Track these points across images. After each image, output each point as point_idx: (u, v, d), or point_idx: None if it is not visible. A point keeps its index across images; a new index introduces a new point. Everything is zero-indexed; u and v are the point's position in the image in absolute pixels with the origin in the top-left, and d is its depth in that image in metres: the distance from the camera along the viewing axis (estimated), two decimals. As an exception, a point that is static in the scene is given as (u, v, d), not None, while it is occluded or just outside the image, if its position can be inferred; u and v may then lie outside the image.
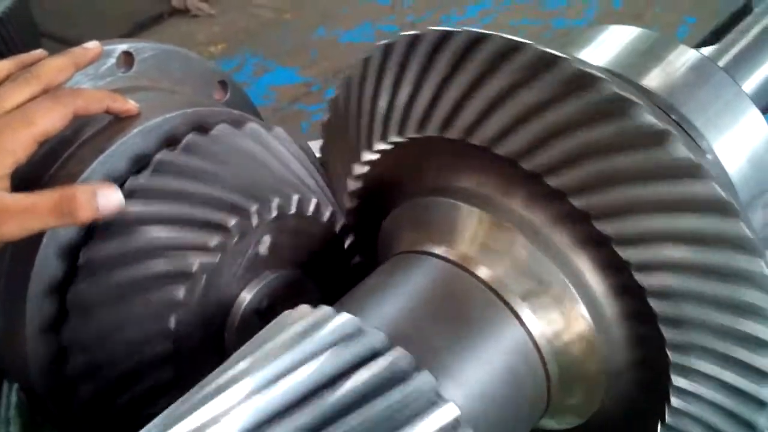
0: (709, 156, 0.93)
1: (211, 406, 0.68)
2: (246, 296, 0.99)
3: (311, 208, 1.00)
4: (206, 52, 3.58)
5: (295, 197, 0.98)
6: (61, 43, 4.04)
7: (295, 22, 3.63)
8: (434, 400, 0.70)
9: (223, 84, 1.17)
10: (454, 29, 0.82)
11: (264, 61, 3.38)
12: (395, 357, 0.71)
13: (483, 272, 0.85)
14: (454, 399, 0.71)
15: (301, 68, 3.33)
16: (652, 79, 0.95)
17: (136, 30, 3.98)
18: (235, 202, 0.93)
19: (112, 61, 1.06)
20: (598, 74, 0.75)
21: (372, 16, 3.60)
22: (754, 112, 0.97)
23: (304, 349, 0.71)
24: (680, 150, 0.74)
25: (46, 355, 0.95)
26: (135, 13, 4.09)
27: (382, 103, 0.90)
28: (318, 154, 1.09)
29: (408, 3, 3.70)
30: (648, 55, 0.97)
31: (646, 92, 0.94)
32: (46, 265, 0.93)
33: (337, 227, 1.04)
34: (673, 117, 0.93)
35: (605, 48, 1.00)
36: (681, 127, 0.93)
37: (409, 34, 0.86)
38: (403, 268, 0.88)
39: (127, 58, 1.08)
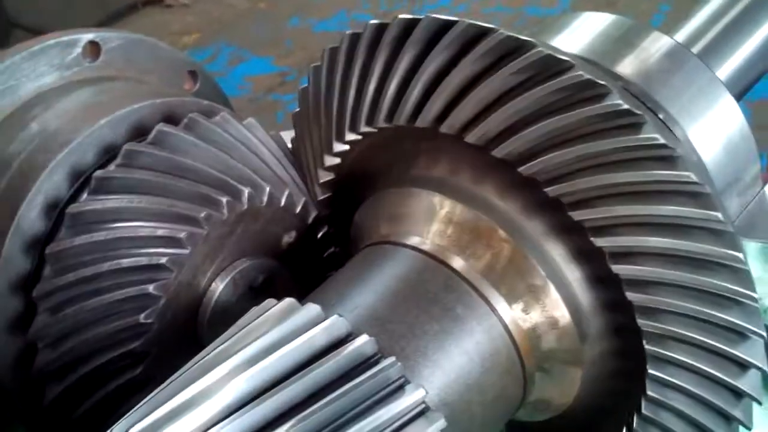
0: (682, 142, 0.92)
1: (188, 391, 0.68)
2: (218, 286, 0.97)
3: (283, 199, 0.98)
4: (180, 42, 3.55)
5: (267, 188, 0.96)
6: (33, 33, 3.99)
7: (270, 11, 3.61)
8: (401, 384, 0.70)
9: (193, 74, 1.15)
10: (421, 17, 0.81)
11: (239, 51, 3.36)
12: (360, 344, 0.71)
13: (456, 263, 0.84)
14: (425, 387, 0.71)
15: (276, 58, 3.31)
16: (626, 66, 0.94)
17: (108, 20, 3.94)
18: (206, 194, 0.92)
19: (78, 50, 1.05)
20: (566, 59, 0.75)
21: (347, 5, 3.59)
22: (728, 99, 0.97)
23: (270, 338, 0.71)
24: (650, 134, 0.74)
25: (14, 352, 0.93)
26: (108, 3, 4.04)
27: (351, 93, 0.89)
28: (290, 145, 1.07)
29: (383, -8, 3.69)
30: (622, 41, 0.96)
31: (620, 79, 0.93)
32: (12, 261, 0.91)
33: (310, 218, 1.03)
34: (647, 104, 0.92)
35: (579, 35, 0.99)
36: (655, 113, 0.92)
37: (375, 23, 0.85)
38: (375, 259, 0.87)
39: (94, 47, 1.06)
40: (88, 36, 1.05)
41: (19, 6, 3.99)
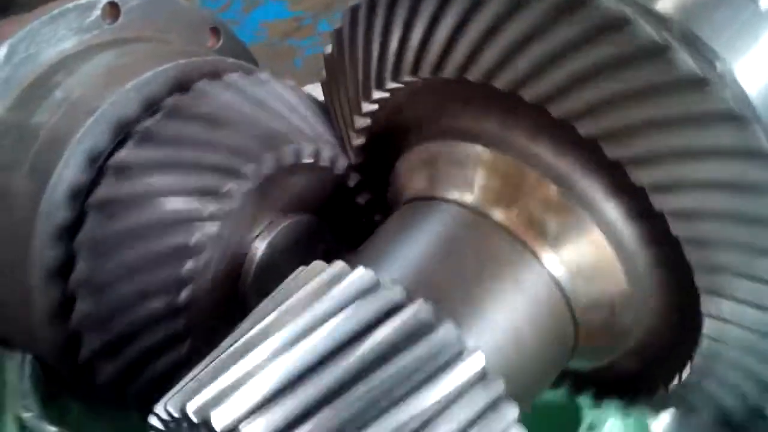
0: (726, 77, 0.89)
1: (240, 365, 0.67)
2: (261, 244, 0.97)
3: (327, 157, 0.98)
4: (192, -9, 3.52)
5: (312, 145, 0.96)
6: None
7: (282, -47, 3.56)
8: (460, 351, 0.69)
9: (215, 31, 1.14)
10: None
11: (254, -3, 3.32)
12: (416, 309, 0.70)
13: (498, 215, 0.83)
14: (480, 348, 0.70)
15: (291, 2, 3.27)
16: (667, 4, 0.91)
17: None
18: (251, 148, 0.91)
19: (97, 12, 1.03)
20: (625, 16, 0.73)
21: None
22: (775, 30, 0.93)
23: (323, 306, 0.70)
24: (687, 64, 0.73)
25: (52, 301, 0.92)
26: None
27: (394, 39, 0.86)
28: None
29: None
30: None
31: (660, 17, 0.90)
32: (53, 212, 0.91)
33: (351, 179, 1.02)
34: (690, 40, 0.89)
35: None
36: (697, 50, 0.89)
37: None
38: (418, 216, 0.86)
39: (113, 9, 1.04)
40: (107, -3, 1.03)
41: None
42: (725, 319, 0.79)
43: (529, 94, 0.77)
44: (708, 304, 0.79)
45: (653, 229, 0.80)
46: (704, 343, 0.81)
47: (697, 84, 0.73)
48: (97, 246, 0.89)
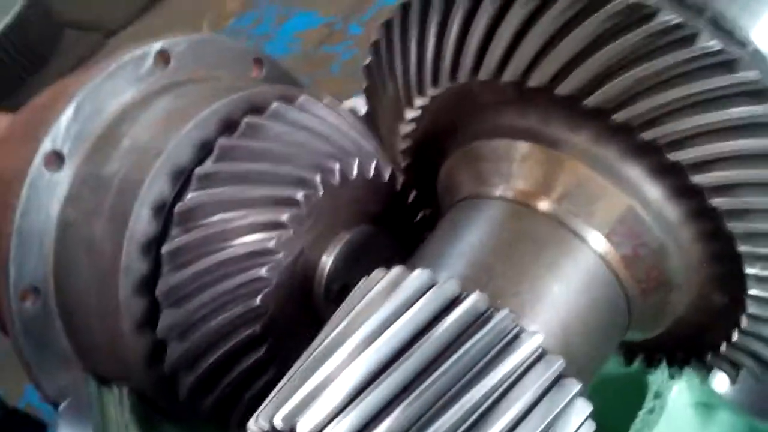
0: (746, 45, 0.92)
1: (319, 373, 0.73)
2: (327, 260, 1.03)
3: (372, 169, 1.03)
4: (224, 11, 3.58)
5: (356, 161, 1.01)
6: (81, 29, 4.08)
7: (307, -38, 3.61)
8: (517, 333, 0.74)
9: (258, 61, 1.19)
10: None
11: (283, 9, 3.38)
12: (473, 301, 0.75)
13: (543, 205, 0.87)
14: (537, 331, 0.75)
15: (320, 9, 3.32)
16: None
17: (151, 1, 3.99)
18: (301, 176, 0.97)
19: (150, 61, 1.09)
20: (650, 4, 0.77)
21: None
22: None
23: (387, 311, 0.75)
24: (706, 42, 0.77)
25: (144, 349, 1.00)
26: (146, -13, 4.08)
27: (430, 48, 0.90)
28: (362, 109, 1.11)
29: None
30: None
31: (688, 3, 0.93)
32: (131, 266, 0.97)
33: (398, 184, 1.07)
34: (705, 11, 0.92)
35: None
36: (714, 20, 0.92)
37: None
38: (467, 215, 0.90)
39: (163, 55, 1.10)
40: (156, 46, 1.09)
41: (65, 5, 4.06)
42: (767, 279, 0.84)
43: (562, 89, 0.82)
44: (751, 269, 0.83)
45: (694, 204, 0.84)
46: (750, 306, 0.86)
47: (722, 62, 0.77)
48: (176, 293, 0.95)
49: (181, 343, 0.97)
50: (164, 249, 0.96)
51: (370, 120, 1.07)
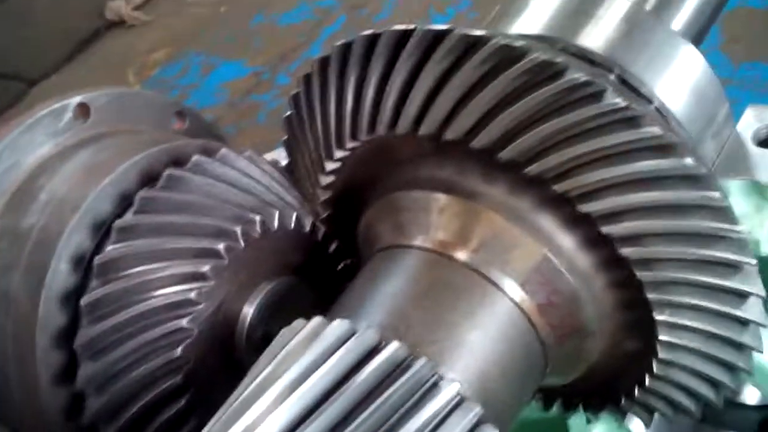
0: (651, 101, 0.97)
1: (248, 415, 0.73)
2: (249, 311, 1.03)
3: (293, 221, 1.04)
4: (150, 60, 3.58)
5: (276, 213, 1.02)
6: (4, 78, 4.02)
7: (232, 14, 3.63)
8: (436, 381, 0.75)
9: (181, 114, 1.20)
10: (409, 27, 0.86)
11: (209, 59, 3.38)
12: (392, 350, 0.76)
13: (460, 255, 0.89)
14: (455, 378, 0.77)
15: (248, 59, 3.34)
16: (586, 37, 0.98)
17: (75, 51, 3.96)
18: (221, 227, 0.98)
19: (69, 115, 1.09)
20: (559, 62, 0.81)
21: (307, -7, 3.60)
22: (687, 47, 1.01)
23: (309, 358, 0.76)
24: (612, 100, 0.80)
25: (62, 403, 0.98)
26: (70, 32, 4.05)
27: (348, 103, 0.93)
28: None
29: (340, -25, 3.69)
30: (579, 14, 1.00)
31: (583, 51, 0.97)
32: (49, 318, 0.96)
33: (320, 235, 1.08)
34: (613, 70, 0.97)
35: (538, 14, 1.03)
36: (621, 78, 0.97)
37: (366, 35, 0.89)
38: (386, 265, 0.92)
39: (83, 109, 1.10)
40: (76, 99, 1.09)
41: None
42: (676, 325, 0.87)
43: (477, 142, 0.85)
44: (660, 315, 0.87)
45: (605, 253, 0.87)
46: (661, 352, 0.89)
47: (628, 118, 0.81)
48: (95, 345, 0.94)
49: (100, 396, 0.96)
50: (83, 301, 0.95)
51: (291, 171, 1.08)
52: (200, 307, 0.96)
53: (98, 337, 0.94)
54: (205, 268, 0.96)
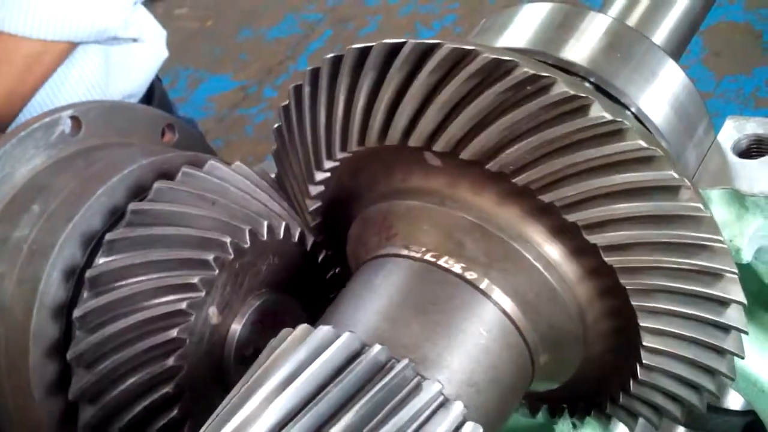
0: (632, 111, 0.99)
1: (234, 420, 0.74)
2: (237, 326, 1.05)
3: (281, 231, 1.05)
4: (137, 74, 3.58)
5: (265, 223, 1.03)
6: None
7: (219, 28, 3.64)
8: (418, 383, 0.76)
9: (171, 127, 1.21)
10: (400, 41, 0.88)
11: (196, 73, 3.39)
12: (373, 354, 0.77)
13: (449, 264, 0.91)
14: (438, 379, 0.77)
15: (234, 73, 3.35)
16: (570, 51, 1.01)
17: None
18: (211, 238, 0.99)
19: (61, 128, 1.10)
20: (547, 75, 0.83)
21: (292, 7, 3.62)
22: (668, 61, 1.03)
23: (293, 363, 0.77)
24: (597, 113, 0.82)
25: (56, 412, 0.99)
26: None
27: (339, 114, 0.94)
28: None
29: (326, -12, 3.71)
30: (563, 27, 1.02)
31: (567, 64, 1.00)
32: (42, 328, 0.97)
33: (309, 245, 1.10)
34: (597, 83, 0.99)
35: (523, 28, 1.05)
36: (605, 91, 0.99)
37: (357, 48, 0.91)
38: (374, 274, 0.93)
39: (75, 122, 1.12)
40: (67, 112, 1.10)
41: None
42: (660, 331, 0.89)
43: (466, 153, 0.86)
44: (644, 321, 0.89)
45: (591, 262, 0.89)
46: (644, 357, 0.91)
47: (612, 131, 0.83)
48: (88, 356, 0.96)
49: (93, 406, 0.97)
50: (76, 313, 0.96)
51: (280, 182, 1.09)
52: (191, 317, 0.97)
53: (91, 348, 0.96)
54: (195, 279, 0.97)
